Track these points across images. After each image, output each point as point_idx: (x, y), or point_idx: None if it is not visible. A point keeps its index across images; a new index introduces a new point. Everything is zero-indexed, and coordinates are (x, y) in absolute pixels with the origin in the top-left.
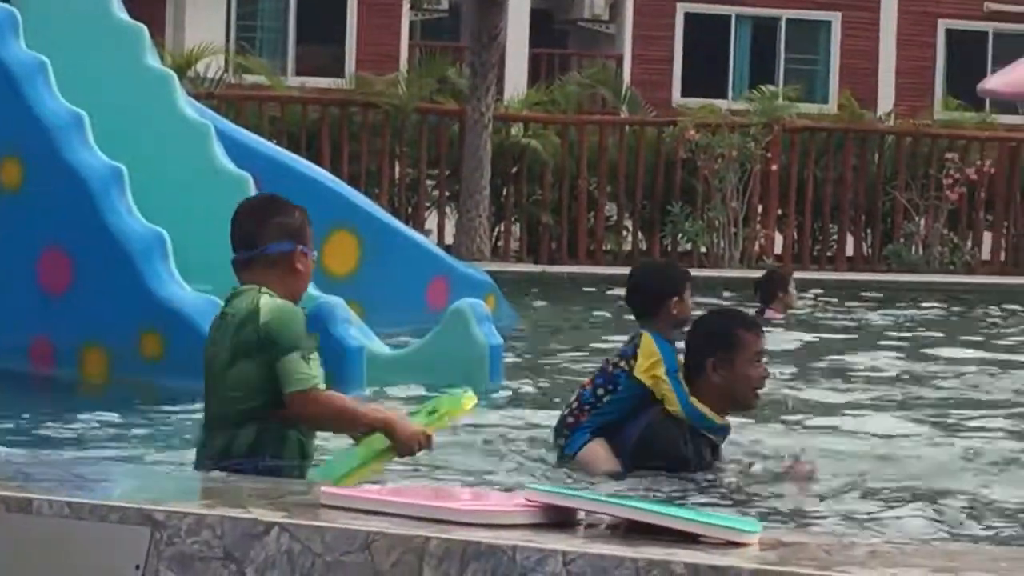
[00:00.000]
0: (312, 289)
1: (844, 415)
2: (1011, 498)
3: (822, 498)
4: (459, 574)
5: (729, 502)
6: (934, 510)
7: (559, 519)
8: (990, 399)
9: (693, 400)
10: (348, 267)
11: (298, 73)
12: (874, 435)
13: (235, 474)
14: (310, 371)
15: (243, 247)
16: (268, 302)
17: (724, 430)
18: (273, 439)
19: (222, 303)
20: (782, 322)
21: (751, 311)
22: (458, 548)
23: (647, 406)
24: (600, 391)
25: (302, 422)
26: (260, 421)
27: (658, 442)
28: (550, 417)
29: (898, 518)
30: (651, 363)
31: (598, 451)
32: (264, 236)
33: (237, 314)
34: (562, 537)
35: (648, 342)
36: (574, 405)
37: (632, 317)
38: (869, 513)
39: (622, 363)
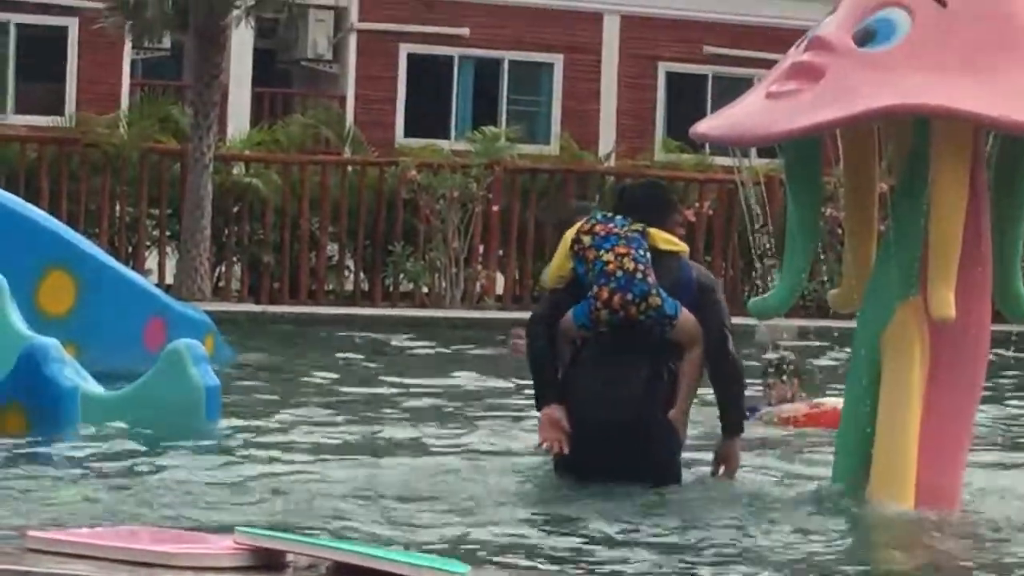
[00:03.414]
0: (26, 329)
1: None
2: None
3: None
4: None
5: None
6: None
7: (268, 561)
8: None
9: None
10: (64, 307)
11: (18, 111)
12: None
13: None
14: None
15: None
16: None
17: None
18: None
19: None
20: None
21: None
22: None
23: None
24: (643, 250)
25: None
26: None
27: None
28: (270, 460)
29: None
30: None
31: (690, 316)
32: None
33: None
34: None
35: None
36: (640, 266)
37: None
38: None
39: (634, 227)
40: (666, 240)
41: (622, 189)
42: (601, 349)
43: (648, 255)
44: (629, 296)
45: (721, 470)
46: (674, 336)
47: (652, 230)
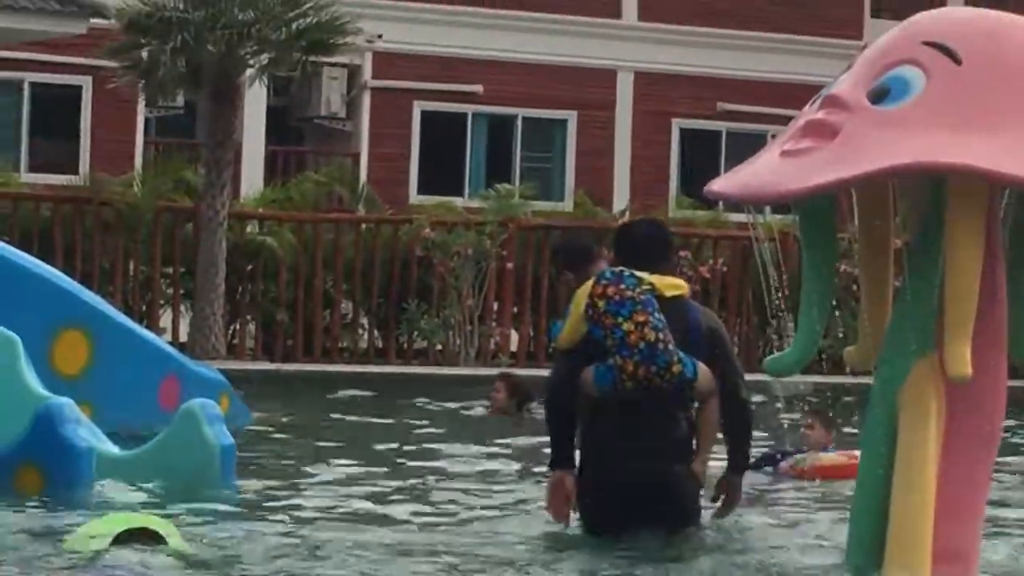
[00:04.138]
0: (41, 389)
1: None
2: None
3: None
4: None
5: None
6: None
7: None
8: None
9: None
10: (78, 366)
11: (31, 169)
12: None
13: None
14: None
15: None
16: None
17: None
18: None
19: None
20: None
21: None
22: None
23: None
24: (658, 313)
25: None
26: None
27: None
28: (285, 520)
29: None
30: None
31: (706, 370)
32: None
33: None
34: None
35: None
36: (660, 335)
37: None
38: None
39: (643, 286)
40: (669, 286)
41: (621, 229)
42: (621, 408)
43: (662, 316)
44: (654, 368)
45: (721, 499)
46: (693, 393)
47: (655, 279)
